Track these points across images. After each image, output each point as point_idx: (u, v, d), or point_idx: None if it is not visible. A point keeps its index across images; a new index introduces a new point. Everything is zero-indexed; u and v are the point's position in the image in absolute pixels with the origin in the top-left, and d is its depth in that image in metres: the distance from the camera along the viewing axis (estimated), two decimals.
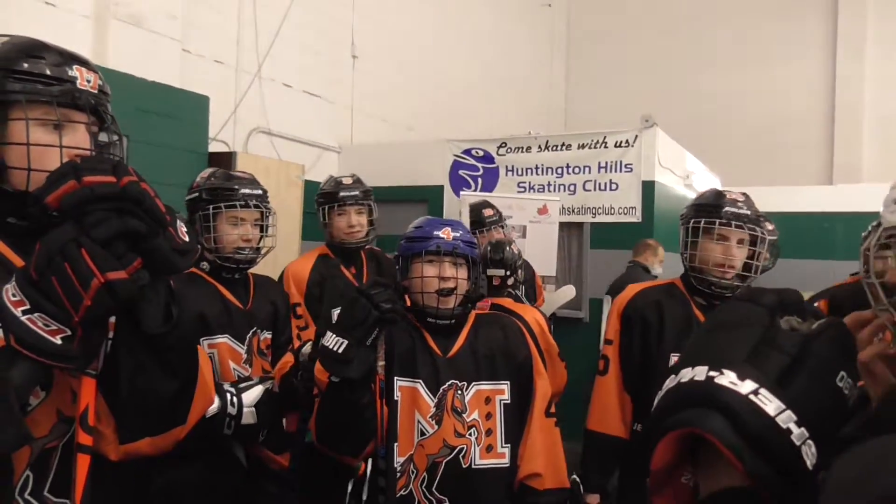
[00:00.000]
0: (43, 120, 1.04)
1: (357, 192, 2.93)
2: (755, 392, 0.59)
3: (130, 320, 1.00)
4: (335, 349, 1.52)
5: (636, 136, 5.21)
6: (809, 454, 0.58)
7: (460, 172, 5.91)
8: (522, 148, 5.69)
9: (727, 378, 0.60)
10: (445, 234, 1.73)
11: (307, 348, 2.00)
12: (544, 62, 10.39)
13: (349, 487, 2.56)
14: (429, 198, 5.84)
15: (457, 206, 5.58)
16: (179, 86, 4.52)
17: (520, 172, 5.69)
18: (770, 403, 0.59)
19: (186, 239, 0.99)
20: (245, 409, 1.71)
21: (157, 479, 1.60)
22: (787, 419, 0.58)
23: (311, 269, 2.86)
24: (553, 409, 1.82)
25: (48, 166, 0.99)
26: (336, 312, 2.62)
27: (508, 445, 1.73)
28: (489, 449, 1.70)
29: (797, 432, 0.58)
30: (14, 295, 0.91)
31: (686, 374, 0.63)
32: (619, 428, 2.11)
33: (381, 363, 1.62)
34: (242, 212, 2.01)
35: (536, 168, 5.61)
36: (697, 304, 2.08)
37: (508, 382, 1.76)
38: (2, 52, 1.06)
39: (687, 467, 0.65)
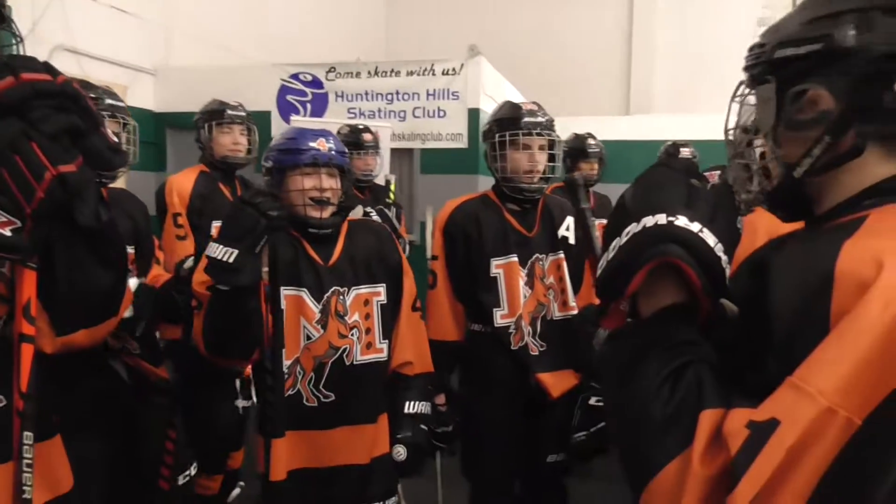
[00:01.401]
0: None
1: (242, 113, 3.10)
2: (700, 230, 0.82)
3: (66, 216, 1.02)
4: (225, 259, 1.56)
5: (462, 65, 5.44)
6: (726, 273, 0.83)
7: (288, 98, 5.81)
8: (352, 74, 5.70)
9: (682, 221, 0.83)
10: (320, 145, 1.80)
11: (189, 263, 2.01)
12: None
13: (237, 386, 2.66)
14: (256, 123, 5.68)
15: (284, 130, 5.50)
16: None
17: (349, 98, 5.71)
18: (710, 238, 0.82)
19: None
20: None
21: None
22: (719, 249, 0.83)
23: (193, 182, 2.94)
24: (418, 304, 2.04)
25: None
26: (216, 225, 2.66)
27: (386, 341, 1.92)
28: (369, 346, 1.88)
29: (724, 258, 0.83)
30: None
31: (648, 221, 0.84)
32: (455, 333, 2.34)
33: (265, 269, 1.68)
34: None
35: (366, 94, 5.67)
36: (510, 210, 2.31)
37: (384, 285, 1.92)
38: None
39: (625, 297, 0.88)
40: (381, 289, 1.92)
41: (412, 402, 1.97)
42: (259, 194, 1.62)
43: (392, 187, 4.30)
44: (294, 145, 1.81)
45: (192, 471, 1.96)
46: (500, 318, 2.27)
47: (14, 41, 1.12)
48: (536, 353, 2.28)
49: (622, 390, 0.81)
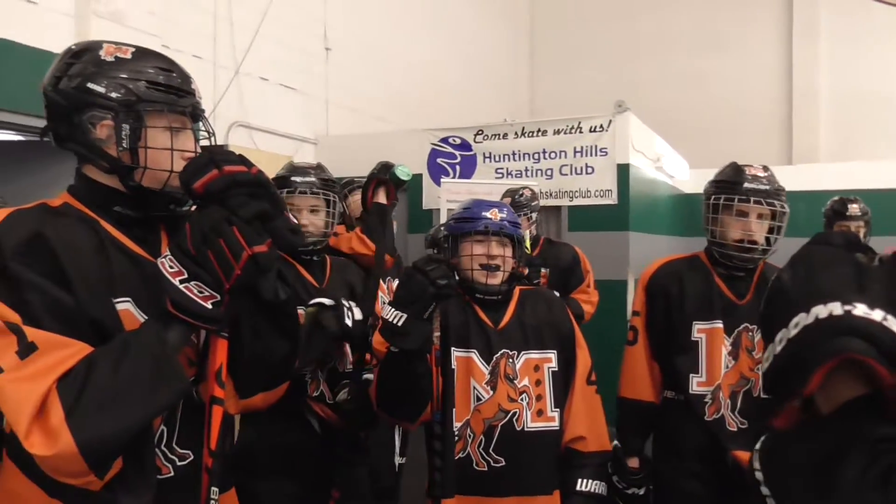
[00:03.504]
0: (171, 127, 1.19)
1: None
2: (884, 318, 0.75)
3: (251, 291, 1.13)
4: (395, 322, 1.65)
5: (610, 121, 5.40)
6: None
7: (438, 160, 6.03)
8: (499, 135, 5.83)
9: (860, 310, 0.75)
10: (493, 214, 1.87)
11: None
12: (511, 50, 10.54)
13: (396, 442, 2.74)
14: (409, 186, 5.93)
15: (435, 193, 5.72)
16: None
17: (497, 159, 5.84)
18: (874, 319, 0.75)
19: (296, 222, 1.13)
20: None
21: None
22: (881, 329, 0.74)
23: None
24: (594, 378, 1.98)
25: (165, 166, 1.17)
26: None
27: (557, 410, 1.89)
28: (540, 413, 1.86)
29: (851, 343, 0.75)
30: (171, 266, 1.04)
31: (821, 312, 0.77)
32: (651, 394, 2.25)
33: (437, 334, 1.76)
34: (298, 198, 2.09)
35: (513, 154, 5.77)
36: (719, 274, 2.21)
37: (555, 351, 1.91)
38: (138, 64, 1.19)
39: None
40: (552, 355, 1.91)
41: (585, 480, 1.89)
42: (431, 262, 1.70)
43: (526, 244, 4.26)
44: (469, 214, 1.89)
45: None
46: (696, 384, 2.16)
47: (208, 135, 1.27)
48: (734, 430, 2.11)
49: (820, 498, 0.74)
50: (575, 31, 10.40)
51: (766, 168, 2.20)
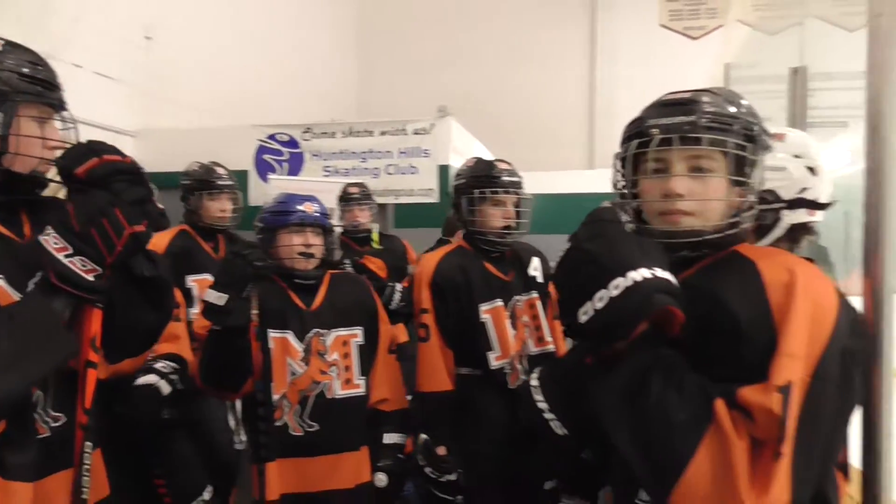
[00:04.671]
0: (39, 117, 1.31)
1: (230, 182, 3.39)
2: (669, 275, 1.03)
3: (124, 266, 1.27)
4: (217, 303, 1.81)
5: (433, 125, 5.76)
6: None
7: (265, 157, 6.07)
8: (327, 133, 5.99)
9: (660, 273, 1.02)
10: (307, 207, 2.08)
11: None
12: (339, 50, 10.67)
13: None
14: (240, 188, 5.92)
15: (262, 190, 5.76)
16: None
17: (325, 157, 5.99)
18: (673, 279, 1.04)
19: (162, 206, 1.29)
20: None
21: None
22: (675, 287, 1.04)
23: (168, 241, 3.18)
24: (394, 347, 2.26)
25: (34, 153, 1.29)
26: (192, 278, 3.03)
27: (363, 378, 2.15)
28: (347, 382, 2.12)
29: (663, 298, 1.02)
30: (56, 242, 1.16)
31: (636, 276, 1.00)
32: (448, 382, 2.42)
33: (255, 312, 1.94)
34: None
35: (341, 153, 5.96)
36: (487, 260, 2.47)
37: (361, 327, 2.16)
38: (9, 56, 1.29)
39: None
40: (359, 331, 2.16)
41: (390, 434, 2.21)
42: (247, 247, 1.89)
43: (374, 237, 4.51)
44: (284, 207, 2.09)
45: (206, 496, 2.13)
46: (494, 360, 2.38)
47: (71, 126, 1.39)
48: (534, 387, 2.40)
49: (636, 409, 0.98)
50: (401, 37, 10.77)
51: (507, 162, 2.51)
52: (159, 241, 3.13)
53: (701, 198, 1.13)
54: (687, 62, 9.88)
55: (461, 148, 6.17)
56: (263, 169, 5.97)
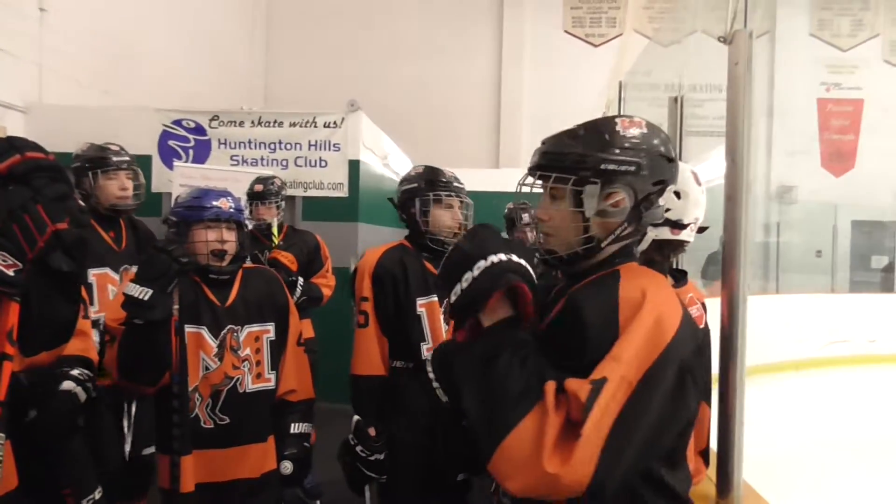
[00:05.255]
0: None
1: (127, 157, 3.11)
2: (520, 261, 1.22)
3: (42, 261, 1.29)
4: (141, 297, 1.83)
5: (343, 119, 5.79)
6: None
7: (170, 143, 5.91)
8: (235, 122, 5.90)
9: (514, 258, 1.22)
10: (223, 203, 2.11)
11: None
12: (248, 38, 10.44)
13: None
14: (140, 167, 5.73)
15: (166, 176, 5.62)
16: None
17: (232, 146, 5.90)
18: (526, 265, 1.22)
19: (83, 204, 1.31)
20: None
21: None
22: (527, 270, 1.22)
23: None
24: (302, 340, 2.34)
25: None
26: (94, 272, 2.89)
27: (274, 372, 2.22)
28: (259, 376, 2.18)
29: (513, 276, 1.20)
30: None
31: (494, 259, 1.21)
32: (382, 368, 2.52)
33: (176, 307, 1.97)
34: None
35: (249, 142, 5.88)
36: (426, 257, 2.59)
37: (273, 323, 2.22)
38: None
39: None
40: (271, 327, 2.22)
41: (296, 424, 2.29)
42: (171, 243, 1.91)
43: (274, 230, 4.44)
44: (199, 203, 2.10)
45: (97, 495, 2.11)
46: (426, 351, 2.51)
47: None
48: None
49: (483, 377, 1.16)
50: (311, 28, 10.68)
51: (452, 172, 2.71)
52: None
53: (554, 223, 1.34)
54: (589, 67, 10.38)
55: (371, 143, 6.23)
56: (168, 155, 5.81)
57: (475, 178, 8.31)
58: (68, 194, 1.28)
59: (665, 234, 1.84)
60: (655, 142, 1.30)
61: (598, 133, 1.31)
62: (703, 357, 1.23)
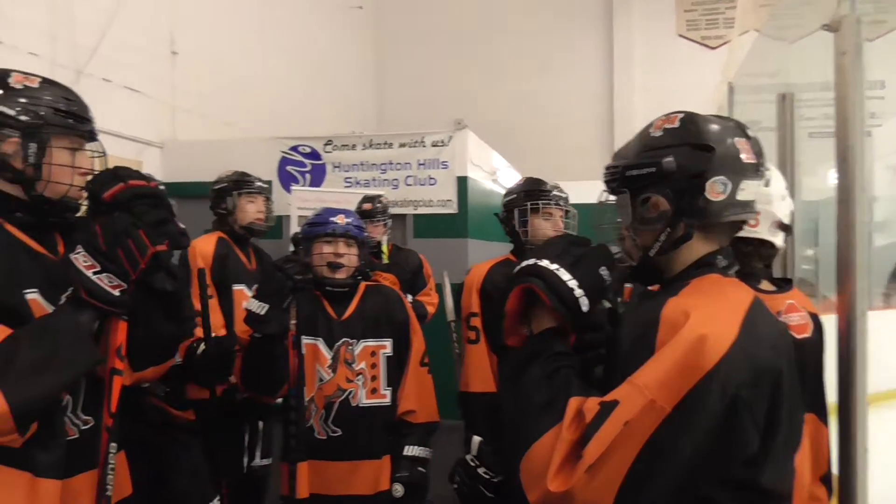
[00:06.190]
0: (71, 147, 1.42)
1: (265, 185, 3.38)
2: (557, 269, 1.18)
3: (146, 282, 1.38)
4: (258, 312, 1.93)
5: (450, 137, 5.87)
6: (584, 304, 1.17)
7: (288, 168, 6.21)
8: (348, 145, 6.13)
9: (543, 263, 1.19)
10: (340, 219, 2.19)
11: (202, 347, 2.25)
12: (357, 65, 10.84)
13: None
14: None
15: (285, 200, 5.89)
16: None
17: (346, 168, 6.13)
18: (565, 275, 1.17)
19: (183, 226, 1.40)
20: None
21: None
22: (572, 283, 1.17)
23: (214, 246, 3.19)
24: (426, 360, 2.33)
25: (65, 180, 1.40)
26: (236, 288, 3.07)
27: (390, 388, 2.23)
28: (373, 391, 2.20)
29: (577, 290, 1.16)
30: (85, 261, 1.28)
31: (523, 263, 1.21)
32: (493, 384, 2.45)
33: (294, 322, 2.06)
34: None
35: (361, 164, 6.08)
36: None
37: (391, 339, 2.25)
38: (44, 92, 1.40)
39: (526, 323, 1.23)
40: (388, 343, 2.25)
41: (411, 447, 2.24)
42: (288, 261, 2.01)
43: (384, 249, 4.54)
44: (320, 220, 2.21)
45: None
46: None
47: (100, 153, 1.50)
48: None
49: (514, 385, 1.16)
50: (418, 50, 10.92)
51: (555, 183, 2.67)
52: (205, 247, 3.17)
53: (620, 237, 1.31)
54: (706, 70, 9.97)
55: (479, 160, 6.27)
56: (287, 180, 6.11)
57: (587, 191, 8.23)
58: (168, 219, 1.35)
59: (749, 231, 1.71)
60: (685, 134, 1.20)
61: (635, 139, 1.27)
62: (757, 386, 1.06)
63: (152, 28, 6.28)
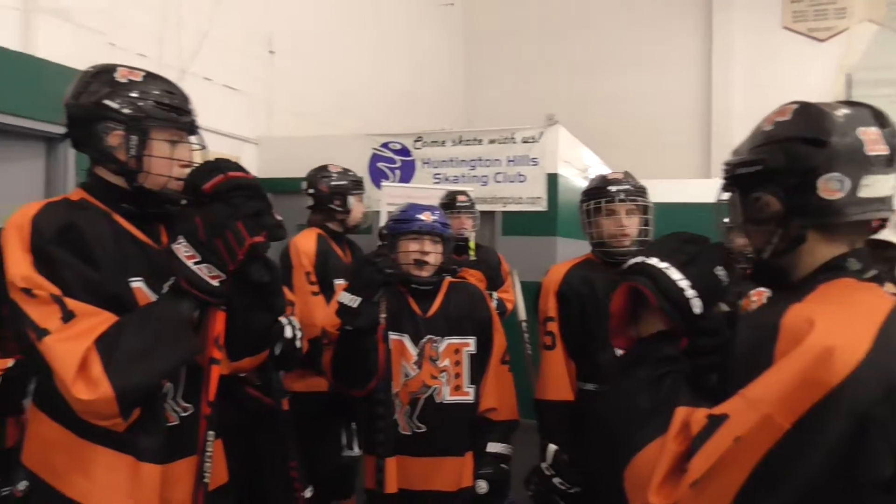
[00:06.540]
0: (171, 140, 1.45)
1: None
2: (667, 268, 1.10)
3: (242, 272, 1.39)
4: (351, 305, 1.94)
5: (541, 133, 5.76)
6: (696, 305, 1.08)
7: (378, 165, 6.27)
8: (437, 142, 6.13)
9: (652, 261, 1.12)
10: (426, 216, 2.16)
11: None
12: (447, 60, 10.86)
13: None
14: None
15: (375, 196, 5.94)
16: None
17: (435, 165, 6.12)
18: (675, 274, 1.10)
19: (280, 218, 1.39)
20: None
21: None
22: (683, 283, 1.09)
23: (315, 243, 3.27)
24: (507, 358, 2.29)
25: (164, 172, 1.42)
26: (338, 283, 3.09)
27: (473, 386, 2.21)
28: (457, 388, 2.18)
29: (689, 291, 1.09)
30: (186, 251, 1.30)
31: (631, 261, 1.15)
32: (571, 393, 2.33)
33: (384, 315, 2.06)
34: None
35: (451, 160, 6.07)
36: (614, 272, 2.28)
37: (474, 337, 2.23)
38: (147, 86, 1.43)
39: (634, 325, 1.16)
40: (471, 341, 2.23)
41: (494, 444, 2.23)
42: (379, 255, 2.01)
43: (471, 245, 4.44)
44: (405, 216, 2.20)
45: (307, 494, 2.22)
46: None
47: (201, 146, 1.52)
48: None
49: (619, 388, 1.11)
50: (508, 46, 10.82)
51: (626, 173, 2.46)
52: (307, 245, 3.22)
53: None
54: (815, 64, 9.44)
55: (570, 156, 6.14)
56: (377, 176, 6.17)
57: (683, 190, 7.94)
58: (265, 210, 1.36)
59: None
60: (796, 127, 1.09)
61: (750, 134, 1.19)
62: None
63: (251, 29, 6.49)
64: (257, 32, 6.58)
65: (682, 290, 1.08)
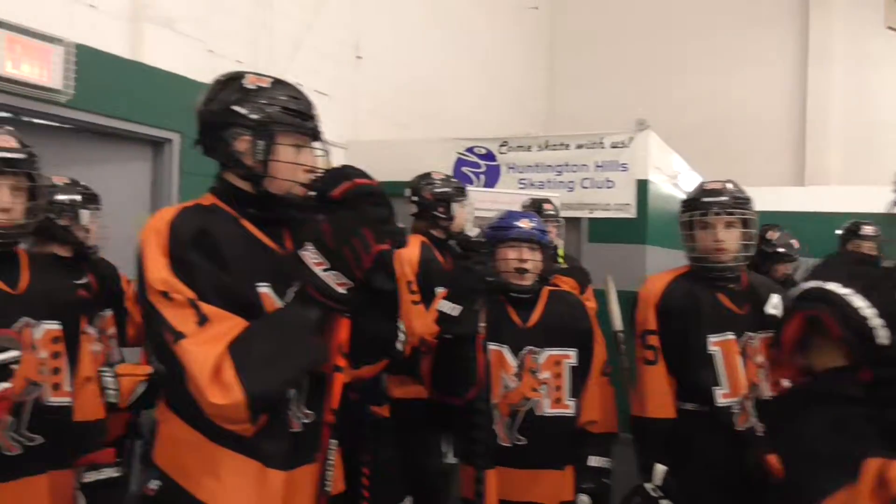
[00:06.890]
0: (295, 145, 1.46)
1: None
2: (849, 294, 1.04)
3: (366, 280, 1.38)
4: (451, 313, 1.93)
5: (631, 138, 5.63)
6: (882, 336, 1.00)
7: (463, 169, 6.27)
8: (523, 147, 6.07)
9: (831, 286, 1.06)
10: (524, 223, 2.13)
11: None
12: (531, 66, 10.79)
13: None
14: None
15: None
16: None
17: (520, 170, 6.07)
18: (859, 300, 1.03)
19: (402, 226, 1.38)
20: None
21: None
22: (870, 313, 1.02)
23: (419, 251, 3.23)
24: (608, 370, 2.23)
25: (289, 177, 1.43)
26: (440, 291, 3.05)
27: (574, 399, 2.17)
28: (557, 401, 2.15)
29: (875, 321, 1.01)
30: (314, 258, 1.30)
31: (805, 286, 1.08)
32: (673, 411, 2.25)
33: (483, 324, 2.03)
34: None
35: (536, 166, 6.00)
36: (715, 287, 2.26)
37: (575, 349, 2.18)
38: (274, 92, 1.45)
39: (800, 354, 1.07)
40: (572, 353, 2.19)
41: (595, 457, 2.19)
42: (479, 262, 1.96)
43: (560, 253, 4.37)
44: (503, 224, 2.17)
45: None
46: (721, 397, 2.20)
47: (324, 152, 1.54)
48: (761, 434, 2.09)
49: (796, 426, 1.03)
50: (593, 49, 10.64)
51: (727, 182, 2.33)
52: (411, 254, 3.19)
53: None
54: None
55: (660, 162, 5.97)
56: (462, 181, 6.07)
57: (775, 198, 7.59)
58: (389, 217, 1.35)
59: None
60: None
61: None
62: None
63: (341, 35, 6.62)
64: (346, 39, 6.71)
65: (865, 318, 1.02)
